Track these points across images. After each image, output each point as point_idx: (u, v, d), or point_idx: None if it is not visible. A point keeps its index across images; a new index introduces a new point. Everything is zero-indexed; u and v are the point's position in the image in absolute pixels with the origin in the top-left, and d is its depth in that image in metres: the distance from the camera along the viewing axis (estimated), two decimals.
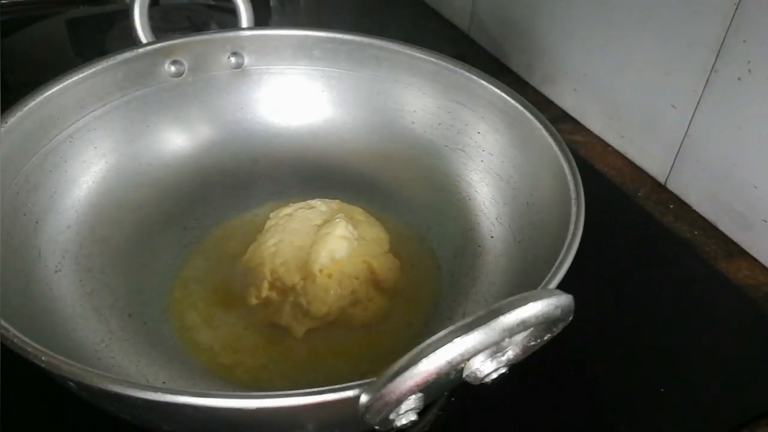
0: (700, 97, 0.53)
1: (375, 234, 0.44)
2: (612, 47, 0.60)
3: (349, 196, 0.50)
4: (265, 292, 0.41)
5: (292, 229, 0.43)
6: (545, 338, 0.26)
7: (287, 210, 0.45)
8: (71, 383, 0.27)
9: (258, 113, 0.51)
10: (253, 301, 0.41)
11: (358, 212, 0.45)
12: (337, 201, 0.46)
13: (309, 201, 0.46)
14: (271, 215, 0.45)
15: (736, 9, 0.49)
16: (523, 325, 0.23)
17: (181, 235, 0.46)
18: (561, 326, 0.25)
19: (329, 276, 0.40)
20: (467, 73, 0.46)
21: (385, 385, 0.23)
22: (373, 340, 0.41)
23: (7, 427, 0.36)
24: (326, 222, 0.43)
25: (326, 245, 0.41)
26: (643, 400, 0.41)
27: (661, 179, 0.60)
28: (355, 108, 0.51)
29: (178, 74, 0.48)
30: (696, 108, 0.54)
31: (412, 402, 0.24)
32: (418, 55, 0.48)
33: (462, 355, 0.22)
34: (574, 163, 0.38)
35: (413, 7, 0.88)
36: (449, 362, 0.22)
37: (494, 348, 0.25)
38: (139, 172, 0.47)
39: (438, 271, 0.45)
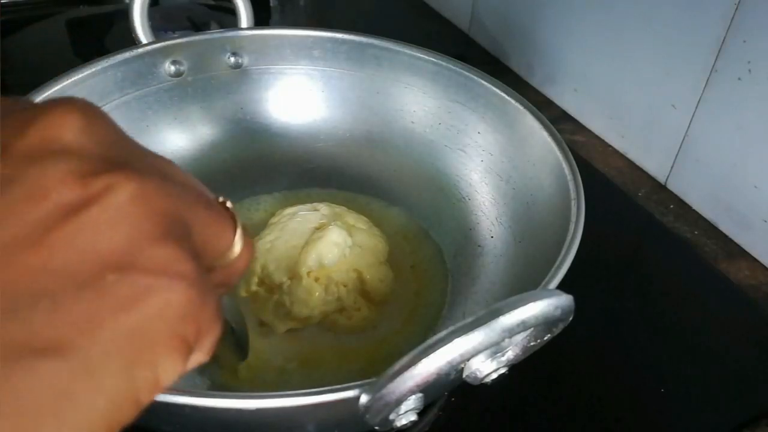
0: (701, 97, 0.53)
1: (372, 244, 0.43)
2: (612, 47, 0.60)
3: (349, 196, 0.50)
4: (253, 287, 0.41)
5: (290, 228, 0.43)
6: (545, 338, 0.26)
7: (291, 209, 0.45)
8: None
9: (258, 113, 0.51)
10: (242, 293, 0.41)
11: (361, 220, 0.45)
12: (343, 207, 0.46)
13: (315, 203, 0.46)
14: (276, 213, 0.45)
15: (737, 9, 0.49)
16: (523, 326, 0.23)
17: None
18: (561, 326, 0.25)
19: (316, 279, 0.40)
20: (467, 73, 0.46)
21: (385, 385, 0.23)
22: (366, 345, 0.41)
23: None
24: (323, 226, 0.43)
25: (316, 249, 0.41)
26: (642, 400, 0.41)
27: (662, 179, 0.60)
28: (355, 108, 0.51)
29: (178, 74, 0.48)
30: (696, 108, 0.54)
31: (412, 402, 0.24)
32: (418, 54, 0.48)
33: (462, 355, 0.22)
34: (574, 163, 0.38)
35: (413, 7, 0.89)
36: (449, 362, 0.22)
37: (494, 348, 0.25)
38: None
39: (441, 269, 0.45)
